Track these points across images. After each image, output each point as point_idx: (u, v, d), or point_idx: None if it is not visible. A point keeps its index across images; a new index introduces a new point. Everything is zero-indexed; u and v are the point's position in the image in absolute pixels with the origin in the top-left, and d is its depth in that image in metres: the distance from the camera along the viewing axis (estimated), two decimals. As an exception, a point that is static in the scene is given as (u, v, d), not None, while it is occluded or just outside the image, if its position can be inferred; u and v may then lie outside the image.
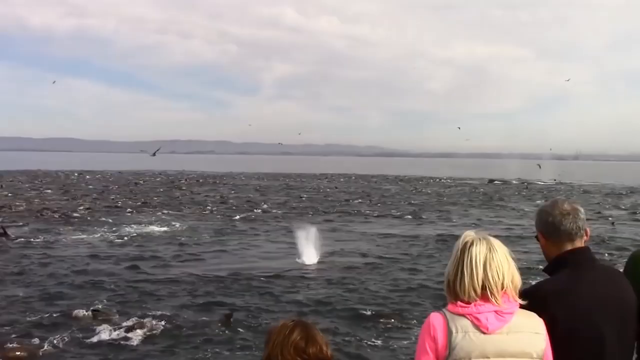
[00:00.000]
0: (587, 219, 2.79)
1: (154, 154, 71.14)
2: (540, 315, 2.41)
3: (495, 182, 65.25)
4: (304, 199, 41.45)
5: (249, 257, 18.21)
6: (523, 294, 2.43)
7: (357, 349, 9.65)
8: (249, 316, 11.37)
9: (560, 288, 2.56)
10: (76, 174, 72.66)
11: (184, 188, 51.42)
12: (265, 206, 34.70)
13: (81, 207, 31.65)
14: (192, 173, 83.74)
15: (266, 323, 10.65)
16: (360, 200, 40.12)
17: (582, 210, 2.73)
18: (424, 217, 30.04)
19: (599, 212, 32.29)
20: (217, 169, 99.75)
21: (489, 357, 2.27)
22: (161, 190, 47.98)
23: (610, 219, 29.11)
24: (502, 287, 2.33)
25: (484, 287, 2.32)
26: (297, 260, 17.03)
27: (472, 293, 2.33)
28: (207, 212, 31.26)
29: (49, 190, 44.49)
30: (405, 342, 9.87)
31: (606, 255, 17.93)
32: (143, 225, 24.97)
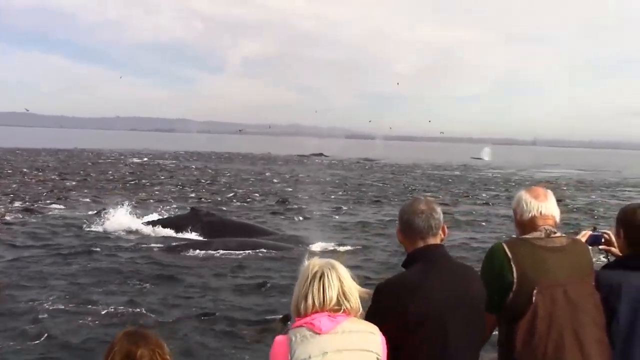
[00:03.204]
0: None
1: None
2: (392, 306, 2.74)
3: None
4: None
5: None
6: (377, 288, 2.81)
7: None
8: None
9: (411, 281, 2.82)
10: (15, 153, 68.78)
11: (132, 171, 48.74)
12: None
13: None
14: (147, 152, 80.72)
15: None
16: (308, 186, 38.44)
17: (438, 210, 2.95)
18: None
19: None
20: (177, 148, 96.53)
21: (328, 353, 2.48)
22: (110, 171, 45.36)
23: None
24: (352, 309, 2.60)
25: (333, 310, 2.57)
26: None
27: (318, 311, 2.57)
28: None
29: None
30: None
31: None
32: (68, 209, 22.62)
